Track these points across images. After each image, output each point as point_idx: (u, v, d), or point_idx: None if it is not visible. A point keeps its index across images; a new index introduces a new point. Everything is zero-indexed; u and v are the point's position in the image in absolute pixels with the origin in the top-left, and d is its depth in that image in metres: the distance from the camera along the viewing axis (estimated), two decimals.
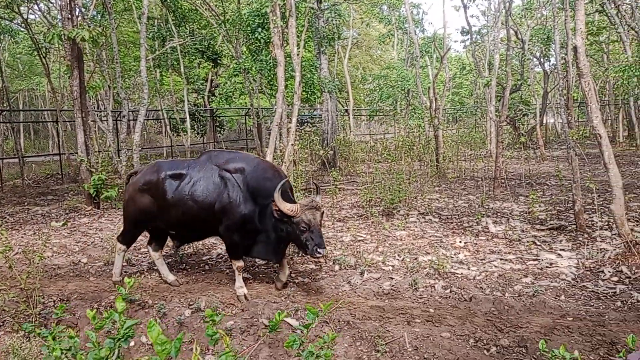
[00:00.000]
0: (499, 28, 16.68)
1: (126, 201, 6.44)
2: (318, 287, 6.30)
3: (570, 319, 5.19)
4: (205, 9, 17.60)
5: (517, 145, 22.79)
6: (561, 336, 4.81)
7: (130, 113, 17.23)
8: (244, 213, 5.83)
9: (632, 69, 12.51)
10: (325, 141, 18.59)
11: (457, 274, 6.58)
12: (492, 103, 18.40)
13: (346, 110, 29.74)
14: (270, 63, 13.05)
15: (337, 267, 6.97)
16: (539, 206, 10.13)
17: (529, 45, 20.86)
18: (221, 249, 8.03)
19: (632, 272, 6.13)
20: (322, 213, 5.83)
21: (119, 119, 18.82)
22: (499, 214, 9.87)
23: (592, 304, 5.58)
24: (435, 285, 6.20)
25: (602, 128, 5.83)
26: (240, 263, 6.06)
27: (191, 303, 5.73)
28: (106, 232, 9.19)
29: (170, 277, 6.56)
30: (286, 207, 5.55)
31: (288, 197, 5.86)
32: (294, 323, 5.28)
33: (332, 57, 29.55)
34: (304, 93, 15.77)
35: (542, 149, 19.89)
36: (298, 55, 10.99)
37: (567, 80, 7.38)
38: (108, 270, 7.13)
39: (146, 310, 5.72)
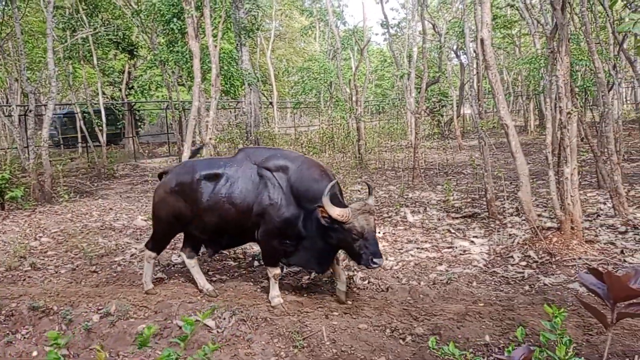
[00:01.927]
0: (417, 21, 17.06)
1: (156, 203, 5.87)
2: (236, 285, 6.17)
3: (482, 304, 5.35)
4: None
5: (436, 136, 23.53)
6: (473, 322, 4.94)
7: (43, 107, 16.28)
8: (286, 217, 5.29)
9: (538, 60, 13.12)
10: (249, 134, 18.37)
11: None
12: (412, 95, 18.89)
13: (270, 103, 29.56)
14: (187, 55, 12.68)
15: (255, 263, 6.86)
16: (455, 195, 10.45)
17: (445, 38, 21.50)
18: (135, 248, 7.72)
19: (539, 256, 6.41)
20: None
21: (26, 113, 17.73)
22: (417, 203, 10.09)
23: (502, 288, 5.78)
24: (353, 277, 6.23)
25: (509, 119, 6.05)
26: (277, 271, 5.56)
27: (100, 307, 5.45)
28: (10, 235, 8.61)
29: (208, 287, 5.93)
30: (336, 212, 4.95)
31: (338, 201, 5.23)
32: (211, 324, 5.13)
33: (255, 49, 29.24)
34: (223, 85, 15.45)
35: (460, 139, 20.58)
36: (215, 46, 10.73)
37: (477, 72, 7.60)
38: (10, 276, 6.67)
39: (51, 317, 5.39)
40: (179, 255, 7.26)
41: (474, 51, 8.03)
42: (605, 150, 8.16)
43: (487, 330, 4.76)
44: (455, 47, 25.28)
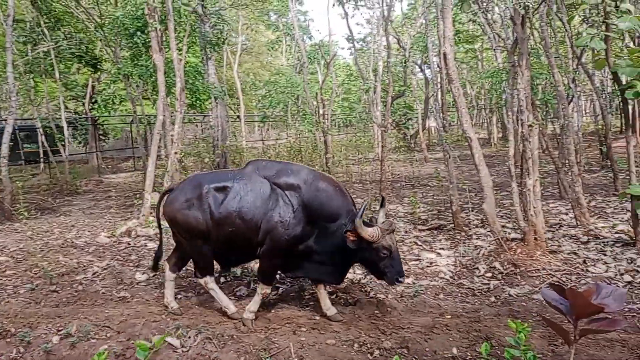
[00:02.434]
0: (381, 36, 17.26)
1: (170, 226, 5.63)
2: (201, 302, 6.05)
3: (449, 316, 5.38)
4: (81, 12, 16.59)
5: (403, 149, 23.76)
6: (440, 334, 4.95)
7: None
8: (294, 235, 5.17)
9: (500, 74, 13.40)
10: (216, 148, 18.20)
11: (347, 277, 6.61)
12: (378, 108, 19.01)
13: (238, 116, 29.42)
14: (151, 68, 12.52)
15: (222, 280, 6.75)
16: (421, 207, 10.53)
17: (410, 52, 21.82)
18: (98, 266, 7.52)
19: (504, 267, 6.49)
20: None
21: None
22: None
23: (468, 300, 5.82)
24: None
25: (472, 131, 6.14)
26: (269, 290, 5.48)
27: (60, 328, 5.26)
28: None
29: (173, 305, 5.73)
30: (367, 232, 4.91)
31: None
32: (175, 343, 5.01)
33: (221, 62, 29.11)
34: (189, 99, 15.31)
35: (425, 152, 20.83)
36: (180, 60, 10.63)
37: (441, 86, 7.70)
38: None
39: (8, 339, 5.17)
40: (143, 273, 7.11)
41: (438, 65, 8.14)
42: (567, 161, 8.35)
43: (454, 342, 4.77)
44: (419, 62, 25.66)
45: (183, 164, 12.87)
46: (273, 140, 30.00)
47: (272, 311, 5.72)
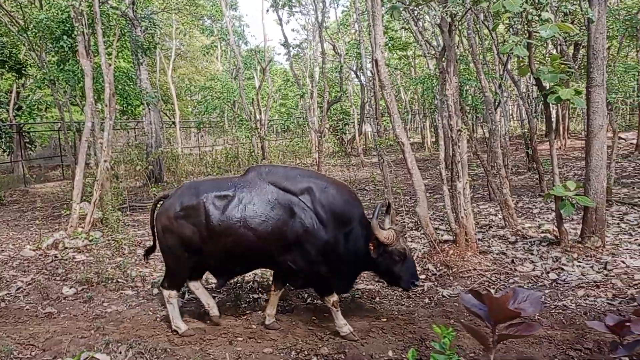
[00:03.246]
0: (317, 42, 17.38)
1: (160, 233, 5.27)
2: (134, 315, 5.85)
3: (385, 319, 5.43)
4: (3, 14, 15.78)
5: (340, 154, 24.00)
6: (376, 338, 5.00)
7: None
8: (325, 239, 4.94)
9: (431, 80, 13.77)
10: (149, 154, 17.76)
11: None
12: (315, 114, 19.14)
13: (173, 122, 28.82)
14: (79, 73, 12.06)
15: (155, 291, 6.55)
16: None
17: (345, 58, 22.07)
18: (22, 281, 7.13)
19: (437, 269, 6.64)
20: None
21: None
22: None
23: (403, 302, 5.91)
24: (258, 300, 6.12)
25: (404, 136, 6.26)
26: (336, 297, 5.12)
27: None
28: None
29: (182, 326, 5.34)
30: (383, 235, 4.77)
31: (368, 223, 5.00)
32: (105, 359, 4.81)
33: (154, 67, 28.47)
34: (120, 105, 14.85)
35: (362, 157, 21.10)
36: (110, 65, 10.28)
37: (374, 92, 7.82)
38: None
39: None
40: (71, 287, 6.81)
41: (371, 71, 8.27)
42: (495, 164, 8.66)
43: (390, 345, 4.82)
44: (355, 68, 26.00)
45: (114, 172, 12.43)
46: (210, 147, 29.61)
47: (208, 322, 5.59)
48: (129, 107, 15.58)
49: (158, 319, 5.72)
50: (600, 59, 6.31)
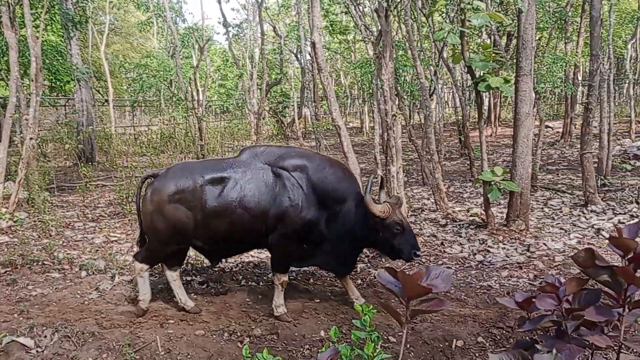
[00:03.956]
0: (257, 22, 17.14)
1: (149, 214, 5.00)
2: (60, 298, 5.65)
3: (318, 300, 5.51)
4: None
5: (279, 136, 23.91)
6: (309, 319, 5.07)
7: None
8: (308, 219, 4.90)
9: (369, 65, 13.89)
10: (80, 133, 17.08)
11: (215, 267, 6.52)
12: (255, 96, 18.96)
13: (106, 100, 27.80)
14: (3, 46, 11.39)
15: (83, 274, 6.36)
16: None
17: (285, 41, 21.91)
18: None
19: (370, 250, 6.76)
20: None
21: None
22: None
23: (337, 284, 6.00)
24: (191, 282, 6.06)
25: (341, 120, 6.31)
26: (286, 277, 5.13)
27: None
28: None
29: (190, 303, 5.30)
30: (377, 208, 4.76)
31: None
32: (29, 343, 4.63)
33: (86, 42, 27.28)
34: (49, 80, 14.16)
35: (301, 140, 21.07)
36: (37, 38, 9.76)
37: (312, 75, 7.80)
38: None
39: None
40: None
41: (310, 54, 8.24)
42: (428, 150, 8.88)
43: (322, 325, 4.90)
44: (295, 50, 25.87)
45: (41, 150, 11.88)
46: (145, 127, 28.79)
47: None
48: (59, 83, 14.88)
49: (86, 302, 5.55)
50: (529, 49, 6.56)
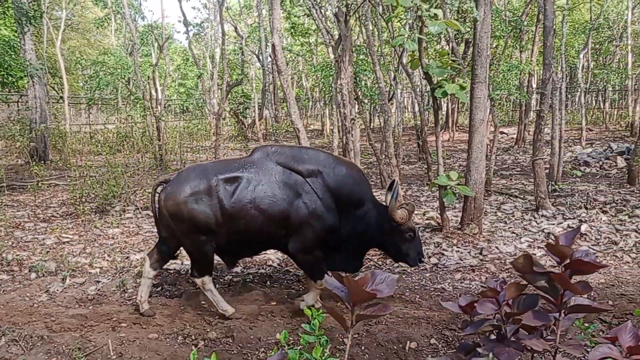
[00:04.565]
0: (218, 22, 16.99)
1: (169, 220, 4.91)
2: (8, 301, 5.48)
3: (274, 303, 5.50)
4: None
5: (240, 137, 23.76)
6: (265, 321, 5.05)
7: None
8: (328, 224, 4.88)
9: (328, 68, 13.97)
10: (33, 131, 16.58)
11: (170, 269, 6.44)
12: (215, 95, 18.78)
13: (61, 97, 27.05)
14: None
15: (33, 275, 6.18)
16: None
17: (247, 41, 21.79)
18: None
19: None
20: None
21: None
22: None
23: (294, 287, 6.00)
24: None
25: (300, 122, 6.33)
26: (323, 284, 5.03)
27: None
28: None
29: (229, 309, 5.14)
30: (398, 214, 4.82)
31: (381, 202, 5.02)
32: None
33: (41, 38, 26.50)
34: (0, 76, 13.70)
35: (262, 141, 21.03)
36: None
37: (272, 77, 7.79)
38: None
39: None
40: None
41: (270, 56, 8.23)
42: (387, 153, 8.99)
43: (278, 328, 4.89)
44: (257, 51, 25.77)
45: None
46: (101, 125, 28.14)
47: (90, 308, 5.37)
48: (11, 78, 14.41)
49: (35, 305, 5.40)
50: (484, 57, 6.73)
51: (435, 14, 5.38)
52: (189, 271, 5.26)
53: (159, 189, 5.16)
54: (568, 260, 1.67)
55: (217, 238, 4.96)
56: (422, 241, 5.57)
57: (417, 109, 16.38)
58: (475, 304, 1.83)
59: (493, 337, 1.80)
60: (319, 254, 5.07)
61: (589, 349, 1.61)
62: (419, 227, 7.92)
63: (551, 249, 1.73)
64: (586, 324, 3.41)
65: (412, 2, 4.87)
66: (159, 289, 5.87)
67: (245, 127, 27.08)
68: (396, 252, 5.19)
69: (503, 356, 1.63)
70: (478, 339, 1.92)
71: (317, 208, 4.89)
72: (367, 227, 5.07)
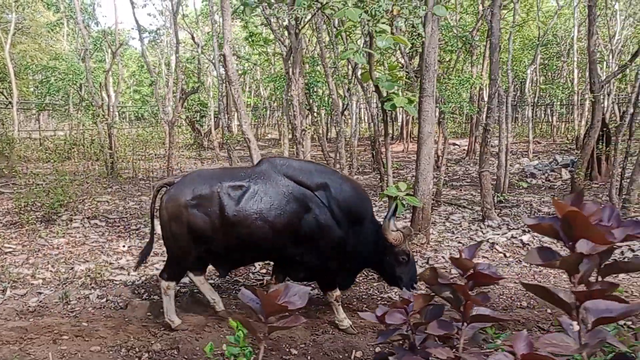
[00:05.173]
0: (174, 29, 16.84)
1: (167, 221, 4.89)
2: None
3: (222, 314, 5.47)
4: None
5: (195, 146, 23.54)
6: (211, 332, 5.03)
7: None
8: (339, 237, 4.93)
9: (280, 79, 14.05)
10: None
11: (116, 280, 6.34)
12: (170, 103, 18.56)
13: (10, 102, 26.20)
14: None
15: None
16: None
17: (203, 49, 21.65)
18: None
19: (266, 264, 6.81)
20: None
21: None
22: None
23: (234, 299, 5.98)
24: (90, 296, 5.84)
25: (250, 132, 6.35)
26: (338, 292, 5.10)
27: None
28: None
29: (176, 320, 5.12)
30: (392, 235, 4.77)
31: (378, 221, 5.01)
32: None
33: None
34: None
35: (217, 150, 20.88)
36: None
37: (226, 86, 7.81)
38: None
39: None
40: None
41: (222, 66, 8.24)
42: (339, 164, 9.10)
43: (224, 340, 4.86)
44: (213, 59, 25.60)
45: None
46: (52, 131, 27.38)
47: (31, 320, 5.23)
48: None
49: None
50: (432, 72, 6.92)
51: (384, 30, 5.51)
52: (160, 274, 5.24)
53: (162, 190, 5.23)
54: (470, 272, 1.77)
55: (214, 245, 4.97)
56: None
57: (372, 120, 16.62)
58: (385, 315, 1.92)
59: (407, 346, 1.88)
60: (332, 265, 5.10)
61: None
62: None
63: (455, 261, 1.82)
64: (498, 332, 3.55)
65: (359, 17, 4.98)
66: (104, 300, 5.76)
67: (201, 135, 26.83)
68: (390, 275, 5.18)
69: None
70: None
71: (328, 221, 4.94)
72: (365, 245, 5.12)
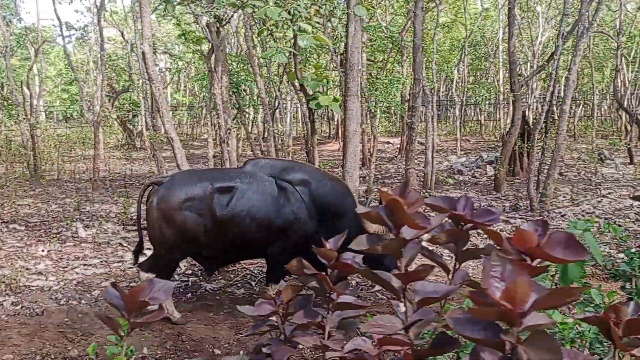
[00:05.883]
0: (99, 26, 16.32)
1: (156, 221, 4.87)
2: None
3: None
4: None
5: (127, 146, 22.90)
6: (133, 335, 4.77)
7: None
8: (309, 232, 5.02)
9: (206, 78, 13.92)
10: None
11: (33, 286, 6.10)
12: (99, 102, 17.95)
13: None
14: None
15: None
16: (134, 207, 10.31)
17: (134, 47, 21.06)
18: None
19: None
20: None
21: None
22: (93, 217, 9.63)
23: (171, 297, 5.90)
24: (3, 303, 5.59)
25: (174, 132, 6.25)
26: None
27: None
28: None
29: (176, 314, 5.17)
30: (373, 228, 4.80)
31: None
32: None
33: None
34: None
35: (150, 150, 20.38)
36: None
37: (151, 86, 7.66)
38: None
39: None
40: None
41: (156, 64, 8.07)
42: None
43: (145, 342, 4.79)
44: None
45: None
46: None
47: None
48: None
49: None
50: (355, 71, 7.02)
51: (305, 29, 5.56)
52: (139, 264, 5.24)
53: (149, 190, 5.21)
54: (332, 262, 1.86)
55: (203, 246, 5.04)
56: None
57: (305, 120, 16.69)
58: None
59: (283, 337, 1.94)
60: (289, 259, 5.12)
61: None
62: None
63: (319, 252, 1.91)
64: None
65: (278, 15, 5.01)
66: (18, 307, 5.53)
67: (134, 135, 26.12)
68: (370, 265, 5.31)
69: (278, 353, 1.76)
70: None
71: (302, 216, 5.08)
72: (348, 240, 5.18)
